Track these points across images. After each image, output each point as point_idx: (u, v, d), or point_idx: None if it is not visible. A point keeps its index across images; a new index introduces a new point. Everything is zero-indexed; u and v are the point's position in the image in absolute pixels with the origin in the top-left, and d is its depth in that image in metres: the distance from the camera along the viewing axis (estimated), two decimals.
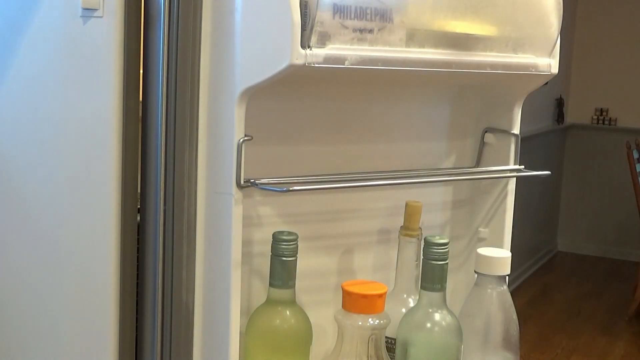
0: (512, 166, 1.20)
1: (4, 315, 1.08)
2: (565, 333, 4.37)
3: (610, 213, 5.72)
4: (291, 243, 0.99)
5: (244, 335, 1.00)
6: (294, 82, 0.95)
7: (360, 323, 1.01)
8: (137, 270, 0.97)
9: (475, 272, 1.08)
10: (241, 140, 0.92)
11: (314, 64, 0.89)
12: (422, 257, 1.06)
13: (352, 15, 0.92)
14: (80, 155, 0.98)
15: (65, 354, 1.03)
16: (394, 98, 1.16)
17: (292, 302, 1.01)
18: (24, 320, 1.06)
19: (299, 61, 0.88)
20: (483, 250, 1.08)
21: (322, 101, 1.09)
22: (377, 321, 1.01)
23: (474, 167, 1.23)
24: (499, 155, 1.21)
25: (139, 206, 0.97)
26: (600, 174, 5.82)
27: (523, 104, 1.21)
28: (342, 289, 1.02)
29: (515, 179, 1.21)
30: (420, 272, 1.06)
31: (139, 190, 0.97)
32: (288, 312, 1.01)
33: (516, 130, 1.20)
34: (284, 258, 0.99)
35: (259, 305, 1.02)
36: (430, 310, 1.04)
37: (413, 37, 0.98)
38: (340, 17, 0.91)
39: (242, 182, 0.93)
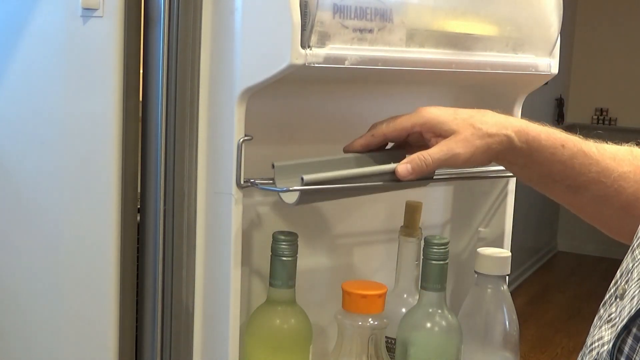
0: None
1: (3, 315, 1.08)
2: (565, 333, 4.38)
3: None
4: (291, 243, 0.99)
5: (244, 335, 1.00)
6: (294, 82, 0.95)
7: (360, 323, 1.01)
8: (137, 270, 0.97)
9: (475, 272, 1.08)
10: (241, 140, 0.92)
11: (314, 64, 0.89)
12: (422, 257, 1.06)
13: (352, 15, 0.92)
14: (80, 155, 0.98)
15: (65, 353, 1.03)
16: (394, 98, 1.16)
17: (292, 302, 1.01)
18: (24, 320, 1.06)
19: (299, 61, 0.88)
20: (483, 250, 1.08)
21: (322, 101, 1.09)
22: (377, 321, 1.01)
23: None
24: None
25: (139, 206, 0.97)
26: None
27: (523, 104, 1.21)
28: (342, 289, 1.02)
29: (515, 179, 1.21)
30: (420, 272, 1.06)
31: (139, 190, 0.97)
32: (288, 312, 1.01)
33: None
34: (284, 258, 0.99)
35: (259, 305, 1.02)
36: (430, 310, 1.04)
37: (413, 37, 0.98)
38: (340, 17, 0.91)
39: (242, 182, 0.93)
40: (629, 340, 0.72)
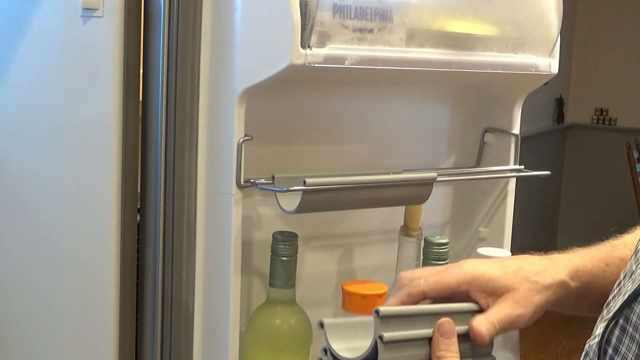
0: (512, 166, 1.20)
1: (4, 315, 1.08)
2: (565, 333, 4.37)
3: (610, 213, 5.71)
4: (291, 243, 0.99)
5: (244, 335, 1.00)
6: (294, 82, 0.95)
7: None
8: (137, 270, 0.97)
9: None
10: (241, 140, 0.92)
11: (314, 63, 0.89)
12: (422, 257, 1.06)
13: (352, 15, 0.92)
14: (81, 155, 0.98)
15: (65, 353, 1.03)
16: (394, 98, 1.16)
17: (292, 302, 1.01)
18: (24, 320, 1.06)
19: (299, 61, 0.88)
20: (483, 250, 1.08)
21: (322, 101, 1.09)
22: None
23: (474, 167, 1.23)
24: (499, 155, 1.21)
25: (139, 206, 0.97)
26: (600, 174, 5.82)
27: (523, 104, 1.21)
28: (342, 289, 1.02)
29: (515, 179, 1.21)
30: None
31: (139, 190, 0.97)
32: (288, 312, 1.01)
33: (516, 130, 1.20)
34: (284, 258, 0.98)
35: (259, 305, 1.02)
36: None
37: (413, 37, 0.98)
38: (340, 17, 0.91)
39: (242, 182, 0.92)
40: (616, 331, 0.72)
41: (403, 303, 0.84)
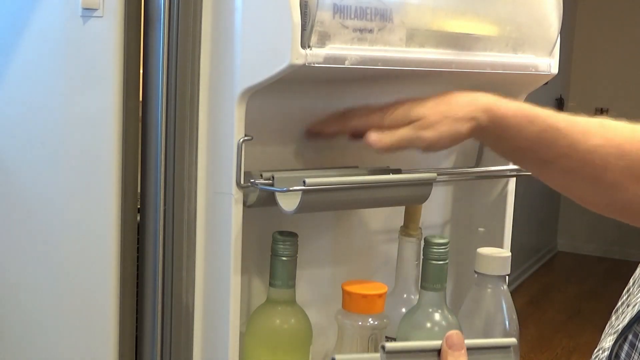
0: (512, 166, 1.20)
1: (3, 315, 1.08)
2: (565, 333, 4.38)
3: None
4: (291, 243, 0.99)
5: (244, 335, 1.00)
6: (294, 82, 0.95)
7: (360, 323, 1.01)
8: (137, 270, 0.97)
9: (475, 272, 1.08)
10: (241, 140, 0.92)
11: (314, 63, 0.89)
12: (422, 257, 1.06)
13: (352, 15, 0.92)
14: (80, 155, 0.98)
15: (65, 354, 1.03)
16: (394, 98, 1.16)
17: (292, 302, 1.01)
18: (24, 320, 1.06)
19: (299, 61, 0.88)
20: (483, 250, 1.08)
21: (323, 101, 1.09)
22: (377, 321, 1.01)
23: (474, 167, 1.23)
24: (499, 156, 1.21)
25: (139, 206, 0.97)
26: None
27: None
28: (342, 289, 1.02)
29: (515, 178, 1.21)
30: (420, 272, 1.06)
31: (139, 190, 0.97)
32: (288, 312, 1.01)
33: None
34: (284, 258, 0.99)
35: (259, 305, 1.02)
36: (430, 310, 1.04)
37: (413, 37, 0.98)
38: (340, 17, 0.91)
39: (242, 182, 0.93)
40: (625, 347, 0.72)
41: (338, 132, 1.01)
